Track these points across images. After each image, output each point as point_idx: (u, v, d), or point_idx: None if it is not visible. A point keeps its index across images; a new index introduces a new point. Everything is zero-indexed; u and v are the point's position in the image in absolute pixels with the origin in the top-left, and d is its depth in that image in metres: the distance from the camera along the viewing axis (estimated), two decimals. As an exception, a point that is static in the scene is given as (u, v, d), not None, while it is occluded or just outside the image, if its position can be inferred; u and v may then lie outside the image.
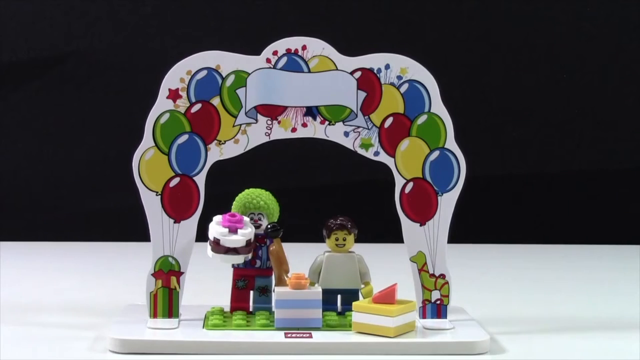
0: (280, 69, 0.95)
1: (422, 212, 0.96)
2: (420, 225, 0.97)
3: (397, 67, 0.95)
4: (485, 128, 1.71)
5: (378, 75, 0.95)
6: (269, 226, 0.97)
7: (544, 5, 1.71)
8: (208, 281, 1.05)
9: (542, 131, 1.73)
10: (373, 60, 0.95)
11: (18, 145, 1.70)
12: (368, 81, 0.95)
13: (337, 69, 0.95)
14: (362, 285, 0.96)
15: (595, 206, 1.73)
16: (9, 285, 1.26)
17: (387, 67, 0.95)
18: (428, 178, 0.96)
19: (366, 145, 0.96)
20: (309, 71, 0.95)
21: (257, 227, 0.97)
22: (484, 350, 0.91)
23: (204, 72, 0.95)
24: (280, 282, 0.95)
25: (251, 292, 0.98)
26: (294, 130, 0.96)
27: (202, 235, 0.96)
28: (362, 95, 0.95)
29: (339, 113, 0.96)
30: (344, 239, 0.96)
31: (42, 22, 1.69)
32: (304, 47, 0.95)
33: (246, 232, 0.94)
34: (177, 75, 0.95)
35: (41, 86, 1.70)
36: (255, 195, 0.98)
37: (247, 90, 0.95)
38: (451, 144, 0.96)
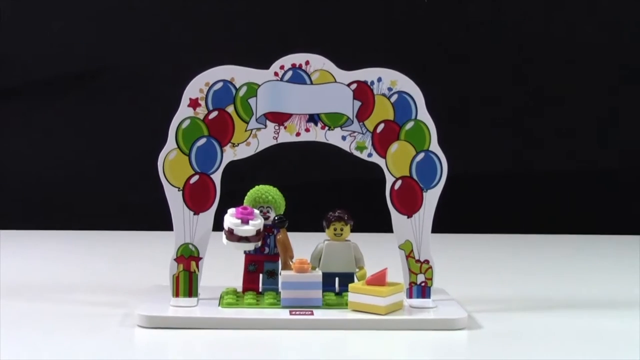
0: (287, 81, 0.95)
1: (410, 206, 0.96)
2: (408, 218, 0.96)
3: (388, 80, 0.95)
4: (465, 132, 1.70)
5: (371, 87, 0.95)
6: (276, 218, 0.96)
7: (531, 14, 1.70)
8: (223, 265, 1.04)
9: (515, 134, 1.73)
10: (367, 74, 0.95)
11: (61, 147, 1.70)
12: (363, 92, 0.95)
13: (335, 82, 0.95)
14: (357, 270, 0.96)
15: (567, 199, 1.73)
16: (51, 268, 1.26)
17: (379, 80, 0.95)
18: (414, 176, 0.96)
19: (361, 148, 0.96)
20: (312, 83, 0.95)
21: (266, 218, 0.97)
22: (462, 326, 0.90)
23: (220, 84, 0.94)
24: (286, 267, 0.95)
25: (260, 275, 0.97)
26: (298, 134, 0.95)
27: (218, 225, 0.95)
28: (358, 104, 0.95)
29: (337, 119, 0.95)
30: (342, 229, 0.96)
31: (80, 40, 1.69)
32: (307, 62, 0.95)
33: (256, 223, 0.94)
34: (196, 87, 0.94)
35: (81, 96, 1.70)
36: (264, 191, 0.98)
37: (257, 99, 0.95)
38: (435, 147, 0.96)
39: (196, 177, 0.95)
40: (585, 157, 1.73)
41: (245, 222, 0.94)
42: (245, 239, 0.94)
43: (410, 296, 0.97)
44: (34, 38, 1.68)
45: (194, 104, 0.94)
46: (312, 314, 0.90)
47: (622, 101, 1.73)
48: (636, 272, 1.29)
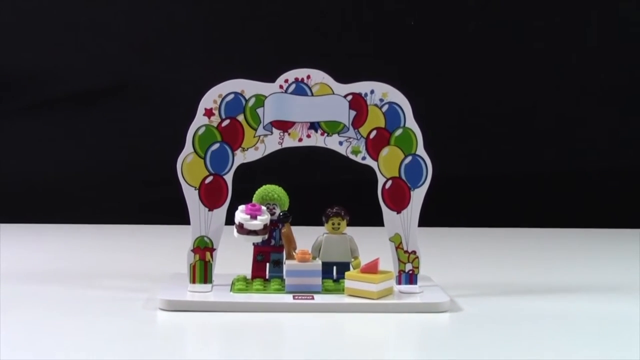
0: (290, 93, 0.95)
1: (399, 203, 0.97)
2: (397, 213, 0.97)
3: (380, 92, 0.96)
4: (448, 138, 1.71)
5: (365, 98, 0.96)
6: (280, 214, 0.97)
7: (510, 24, 1.71)
8: (234, 255, 1.05)
9: (493, 140, 1.73)
10: (361, 87, 0.95)
11: (92, 150, 1.71)
12: (357, 103, 0.96)
13: (333, 93, 0.95)
14: (353, 259, 0.96)
15: (547, 196, 1.73)
16: (81, 258, 1.27)
17: (372, 91, 0.96)
18: (403, 177, 0.97)
19: (356, 152, 0.96)
20: (312, 95, 0.95)
21: (272, 214, 0.97)
22: (445, 309, 0.91)
23: (232, 95, 0.95)
24: (290, 257, 0.95)
25: (267, 264, 0.98)
26: (300, 140, 0.96)
27: (229, 220, 0.96)
28: (353, 113, 0.96)
29: (335, 127, 0.96)
30: (339, 224, 0.97)
31: (107, 58, 1.69)
32: (308, 77, 0.95)
33: (263, 218, 0.94)
34: (211, 98, 0.95)
35: (109, 106, 1.71)
36: (271, 190, 0.98)
37: (264, 109, 0.95)
38: (421, 151, 0.96)
39: (210, 178, 0.96)
40: (553, 157, 1.74)
41: (253, 217, 0.94)
42: (254, 232, 0.94)
43: (399, 283, 0.97)
44: (59, 54, 1.69)
45: (208, 113, 0.95)
46: (313, 298, 0.91)
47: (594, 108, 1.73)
48: (610, 261, 1.29)
